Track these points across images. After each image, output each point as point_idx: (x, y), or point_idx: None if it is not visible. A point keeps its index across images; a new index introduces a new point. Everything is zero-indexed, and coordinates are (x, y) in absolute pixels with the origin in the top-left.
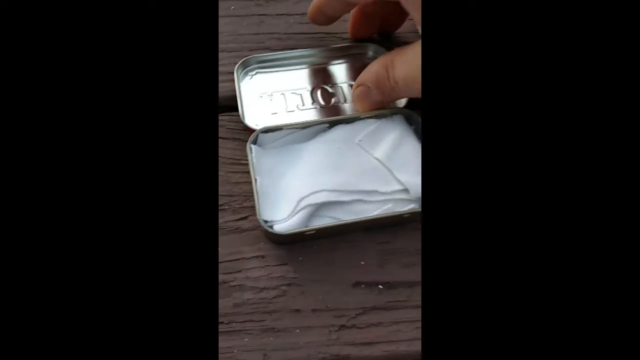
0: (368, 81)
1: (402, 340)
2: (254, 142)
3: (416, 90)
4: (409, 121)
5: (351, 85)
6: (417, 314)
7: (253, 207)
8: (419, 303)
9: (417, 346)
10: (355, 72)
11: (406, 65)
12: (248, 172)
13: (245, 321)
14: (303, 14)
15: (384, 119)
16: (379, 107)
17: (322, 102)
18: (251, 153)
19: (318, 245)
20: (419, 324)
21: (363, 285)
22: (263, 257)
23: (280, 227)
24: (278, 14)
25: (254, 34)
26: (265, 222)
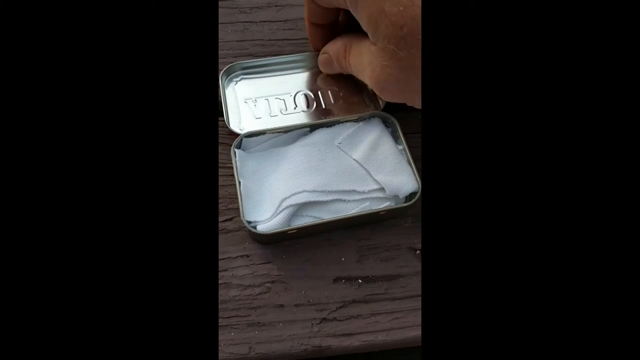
0: (331, 52)
1: (380, 330)
2: (238, 147)
3: (362, 78)
4: (386, 124)
5: (330, 91)
6: (394, 305)
7: (238, 209)
8: (396, 295)
9: (394, 335)
10: (335, 76)
11: (356, 56)
12: (233, 175)
13: (232, 316)
14: (286, 21)
15: (362, 122)
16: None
17: (304, 107)
18: (235, 157)
19: (300, 244)
20: (396, 315)
21: (343, 280)
22: (248, 256)
23: (263, 227)
24: (262, 21)
25: (238, 41)
26: (249, 222)
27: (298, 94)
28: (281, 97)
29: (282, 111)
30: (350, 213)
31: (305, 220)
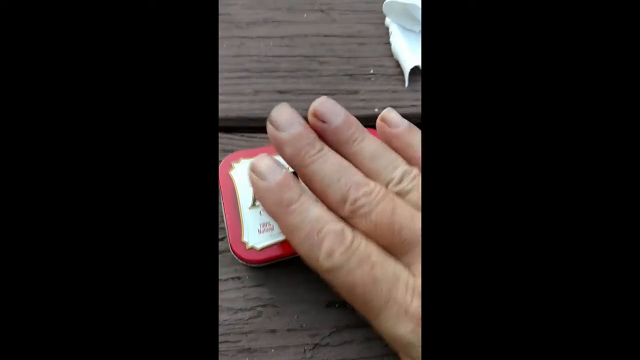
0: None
1: (374, 356)
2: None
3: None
4: None
5: None
6: None
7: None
8: None
9: None
10: None
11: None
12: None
13: (221, 342)
14: (282, 37)
15: None
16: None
17: None
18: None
19: (293, 266)
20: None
21: (337, 305)
22: (239, 278)
23: None
24: (258, 37)
25: (234, 56)
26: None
27: None
28: None
29: None
30: None
31: None
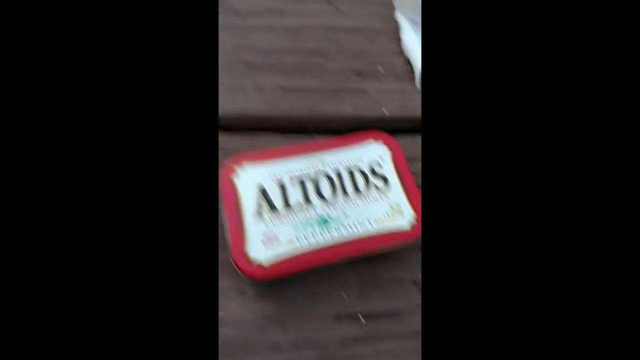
0: None
1: None
2: None
3: None
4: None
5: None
6: (397, 344)
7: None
8: (400, 333)
9: None
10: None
11: None
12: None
13: (223, 357)
14: (286, 28)
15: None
16: None
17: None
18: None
19: (299, 279)
20: (400, 353)
21: (344, 318)
22: (242, 293)
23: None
24: (259, 28)
25: (232, 49)
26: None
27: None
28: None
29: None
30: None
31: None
